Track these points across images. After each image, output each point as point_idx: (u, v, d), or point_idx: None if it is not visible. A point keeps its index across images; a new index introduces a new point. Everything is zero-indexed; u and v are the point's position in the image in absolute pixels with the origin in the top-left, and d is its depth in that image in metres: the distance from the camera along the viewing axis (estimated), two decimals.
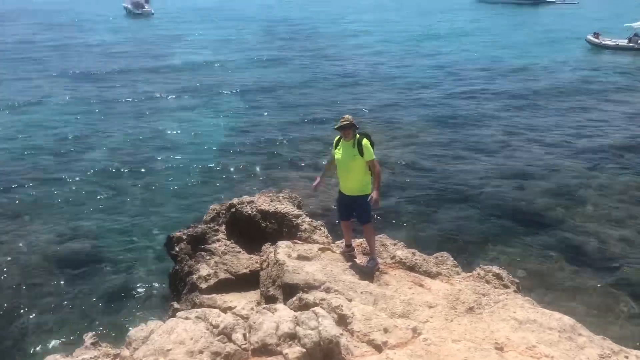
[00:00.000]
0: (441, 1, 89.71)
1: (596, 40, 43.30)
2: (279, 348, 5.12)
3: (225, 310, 5.88)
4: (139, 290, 11.79)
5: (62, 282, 12.16)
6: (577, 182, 16.66)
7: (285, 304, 6.92)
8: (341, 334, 5.60)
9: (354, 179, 7.95)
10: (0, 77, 33.74)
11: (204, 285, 9.30)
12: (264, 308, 5.52)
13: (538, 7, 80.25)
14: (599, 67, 35.55)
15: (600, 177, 16.97)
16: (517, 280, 8.53)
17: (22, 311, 11.15)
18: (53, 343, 10.28)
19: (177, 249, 10.69)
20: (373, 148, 7.96)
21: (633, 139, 20.52)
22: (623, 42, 41.69)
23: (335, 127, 7.95)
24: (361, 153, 7.77)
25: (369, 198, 7.75)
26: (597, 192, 15.85)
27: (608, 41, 42.72)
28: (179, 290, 10.15)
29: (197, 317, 5.19)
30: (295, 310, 6.19)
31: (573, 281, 11.58)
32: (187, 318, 5.21)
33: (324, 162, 8.79)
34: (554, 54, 40.24)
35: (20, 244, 13.68)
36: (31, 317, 10.97)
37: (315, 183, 8.56)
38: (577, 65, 36.25)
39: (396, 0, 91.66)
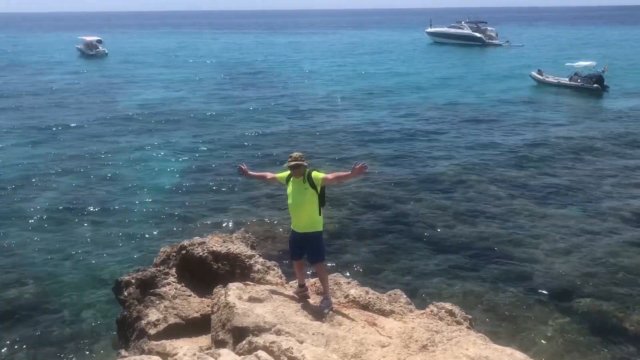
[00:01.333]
0: (397, 44, 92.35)
1: (540, 76, 45.54)
2: None
3: (164, 357, 5.65)
4: (86, 337, 11.28)
5: (2, 332, 11.54)
6: (526, 218, 17.06)
7: (234, 348, 6.74)
8: None
9: (305, 215, 7.91)
10: None
11: (152, 331, 8.98)
12: (206, 354, 5.34)
13: (486, 48, 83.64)
14: (543, 105, 37.03)
15: (548, 213, 17.44)
16: (470, 316, 8.57)
17: None
18: None
19: (125, 293, 10.31)
20: (323, 190, 7.99)
21: (575, 176, 21.27)
22: (565, 80, 43.74)
23: (285, 165, 7.97)
24: (312, 184, 7.77)
25: (354, 165, 7.46)
26: (546, 227, 16.24)
27: (551, 78, 44.88)
28: (127, 337, 9.77)
29: None
30: (244, 354, 6.02)
31: (526, 315, 11.71)
32: None
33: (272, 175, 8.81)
34: (503, 93, 41.80)
35: None
36: None
37: (245, 167, 8.76)
38: (524, 103, 37.68)
39: (352, 44, 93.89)
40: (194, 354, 5.28)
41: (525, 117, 32.72)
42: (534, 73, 46.38)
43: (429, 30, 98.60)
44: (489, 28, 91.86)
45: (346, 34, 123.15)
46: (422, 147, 25.74)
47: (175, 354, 5.48)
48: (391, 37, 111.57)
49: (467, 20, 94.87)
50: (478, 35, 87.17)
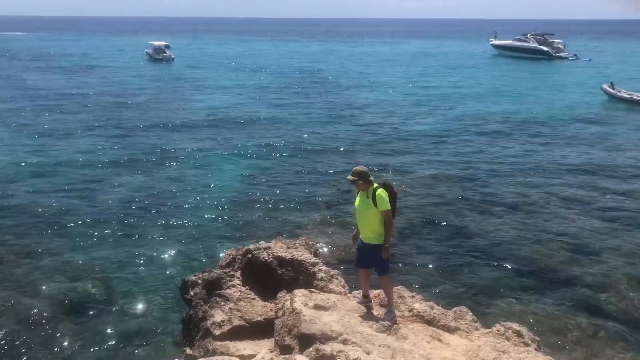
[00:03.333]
0: (461, 56, 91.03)
1: (612, 90, 43.54)
2: None
3: (243, 358, 5.76)
4: (152, 334, 11.65)
5: (72, 323, 12.07)
6: (595, 239, 16.39)
7: (301, 354, 6.80)
8: None
9: (369, 229, 7.95)
10: (24, 119, 34.55)
11: (217, 332, 9.18)
12: (284, 358, 5.42)
13: (553, 62, 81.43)
14: (615, 122, 35.60)
15: (618, 235, 16.70)
16: (538, 339, 8.35)
17: (31, 353, 11.02)
18: None
19: (191, 293, 10.61)
20: (394, 199, 7.95)
21: None
22: (638, 95, 41.83)
23: (347, 178, 8.05)
24: (375, 203, 7.78)
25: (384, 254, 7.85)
26: (615, 251, 15.57)
27: (624, 93, 42.90)
28: (192, 335, 10.03)
29: None
30: None
31: (593, 341, 11.27)
32: None
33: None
34: (572, 108, 40.43)
35: (31, 283, 13.66)
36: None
37: (353, 234, 8.63)
38: (595, 119, 36.33)
39: (415, 56, 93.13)
40: (272, 358, 5.37)
41: (596, 134, 31.55)
42: (606, 86, 44.44)
43: (494, 42, 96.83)
44: (556, 40, 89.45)
45: (409, 44, 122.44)
46: (487, 162, 25.22)
47: (253, 356, 5.59)
48: (455, 48, 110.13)
49: (533, 32, 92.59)
50: (545, 48, 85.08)
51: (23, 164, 24.02)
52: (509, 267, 14.60)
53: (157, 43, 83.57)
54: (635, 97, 41.81)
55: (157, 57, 78.97)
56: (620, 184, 22.04)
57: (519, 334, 8.21)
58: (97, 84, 51.61)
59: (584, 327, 11.71)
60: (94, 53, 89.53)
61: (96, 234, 16.78)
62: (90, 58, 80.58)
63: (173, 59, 78.68)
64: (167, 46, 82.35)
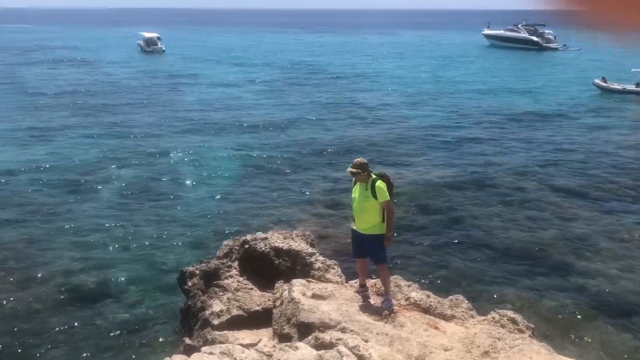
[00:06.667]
0: (453, 47, 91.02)
1: (604, 84, 43.71)
2: None
3: (246, 346, 5.85)
4: (150, 324, 11.71)
5: (70, 317, 12.05)
6: (589, 227, 16.59)
7: (300, 342, 6.90)
8: None
9: (367, 220, 8.05)
10: (12, 110, 34.27)
11: (216, 322, 9.29)
12: (285, 346, 5.52)
13: (543, 52, 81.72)
14: (607, 112, 35.83)
15: (612, 223, 16.92)
16: (532, 325, 8.49)
17: (28, 347, 11.00)
18: None
19: (189, 283, 10.71)
20: (391, 190, 8.07)
21: None
22: (631, 87, 42.10)
23: (347, 170, 8.15)
24: (374, 195, 7.88)
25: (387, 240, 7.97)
26: (609, 238, 15.78)
27: (616, 85, 43.14)
28: (190, 326, 10.14)
29: (222, 353, 5.19)
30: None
31: (588, 327, 11.46)
32: (211, 353, 5.22)
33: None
34: (563, 99, 40.63)
35: (28, 278, 13.59)
36: (38, 354, 10.84)
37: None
38: (587, 110, 36.52)
39: (410, 48, 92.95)
40: (274, 345, 5.47)
41: (588, 124, 31.74)
42: (598, 81, 44.43)
43: (486, 32, 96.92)
44: (546, 31, 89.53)
45: (403, 36, 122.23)
46: (479, 152, 25.38)
47: (255, 344, 5.68)
48: (448, 39, 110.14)
49: (525, 22, 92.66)
50: (535, 39, 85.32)
51: (18, 159, 23.83)
52: (501, 255, 14.77)
53: (148, 35, 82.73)
54: (628, 88, 42.08)
55: (148, 49, 78.28)
56: (612, 172, 22.23)
57: (513, 321, 8.35)
58: (91, 78, 51.09)
59: (577, 315, 11.89)
60: (86, 45, 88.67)
61: (92, 227, 16.73)
62: (83, 51, 79.79)
63: (164, 51, 78.00)
64: (158, 38, 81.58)
